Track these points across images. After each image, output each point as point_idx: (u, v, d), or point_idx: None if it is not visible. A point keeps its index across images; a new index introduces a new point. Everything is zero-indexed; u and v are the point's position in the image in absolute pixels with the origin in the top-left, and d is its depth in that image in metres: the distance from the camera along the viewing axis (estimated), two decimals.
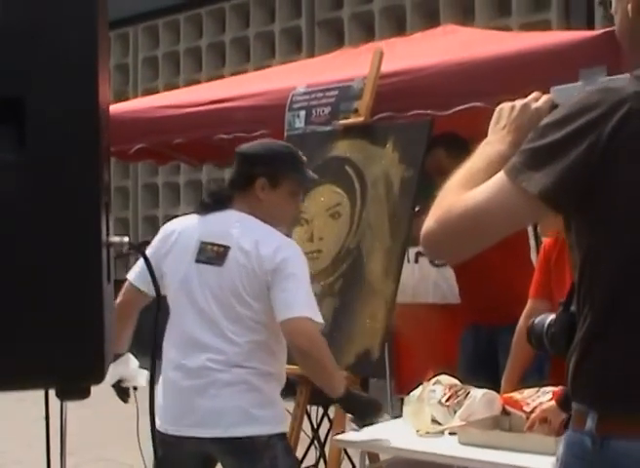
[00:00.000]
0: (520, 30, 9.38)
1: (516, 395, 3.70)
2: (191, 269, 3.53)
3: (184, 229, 3.62)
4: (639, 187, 1.64)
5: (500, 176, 1.76)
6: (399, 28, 10.45)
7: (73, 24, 1.43)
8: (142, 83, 12.87)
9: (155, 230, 11.78)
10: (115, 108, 6.17)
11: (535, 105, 2.05)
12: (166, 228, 3.71)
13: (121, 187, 12.28)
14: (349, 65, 5.74)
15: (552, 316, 1.98)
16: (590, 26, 9.03)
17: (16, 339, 1.42)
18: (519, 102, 2.07)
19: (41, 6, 1.42)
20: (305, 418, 4.69)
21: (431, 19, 10.19)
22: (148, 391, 2.14)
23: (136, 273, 3.64)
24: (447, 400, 3.76)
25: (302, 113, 5.13)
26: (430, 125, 4.47)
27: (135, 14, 12.62)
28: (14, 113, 1.40)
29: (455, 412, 3.69)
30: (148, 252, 3.63)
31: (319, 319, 3.43)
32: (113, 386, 3.75)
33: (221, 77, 11.86)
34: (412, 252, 6.34)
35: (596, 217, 1.69)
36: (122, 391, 3.76)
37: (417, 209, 4.39)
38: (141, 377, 3.75)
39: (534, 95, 2.08)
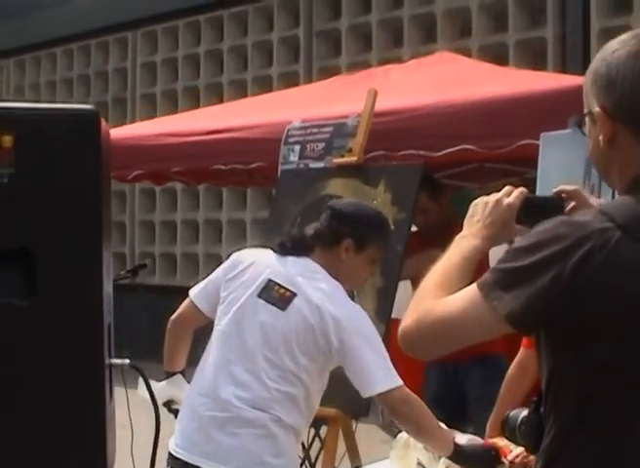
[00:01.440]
0: (516, 47, 9.52)
1: (499, 441, 3.80)
2: (250, 302, 3.49)
3: (256, 262, 3.57)
4: (598, 321, 1.75)
5: (475, 290, 1.86)
6: (396, 41, 10.57)
7: (78, 182, 1.56)
8: (141, 88, 12.96)
9: (152, 235, 11.89)
10: (115, 134, 6.29)
11: (507, 201, 2.14)
12: (238, 256, 3.64)
13: (118, 191, 12.36)
14: (345, 95, 5.86)
15: (525, 412, 2.09)
16: (586, 44, 9.15)
17: (28, 459, 1.55)
18: (493, 198, 2.16)
19: (48, 168, 1.54)
20: None
21: (428, 33, 10.31)
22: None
23: (198, 290, 3.66)
24: None
25: (297, 148, 5.24)
26: (422, 169, 4.59)
27: (134, 19, 12.71)
28: (24, 262, 1.53)
29: (440, 458, 3.80)
30: (214, 274, 3.66)
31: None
32: (164, 405, 3.76)
33: (219, 84, 12.01)
34: None
35: (560, 342, 1.80)
36: (173, 413, 3.79)
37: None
38: None
39: (506, 189, 2.18)
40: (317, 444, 5.23)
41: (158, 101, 12.71)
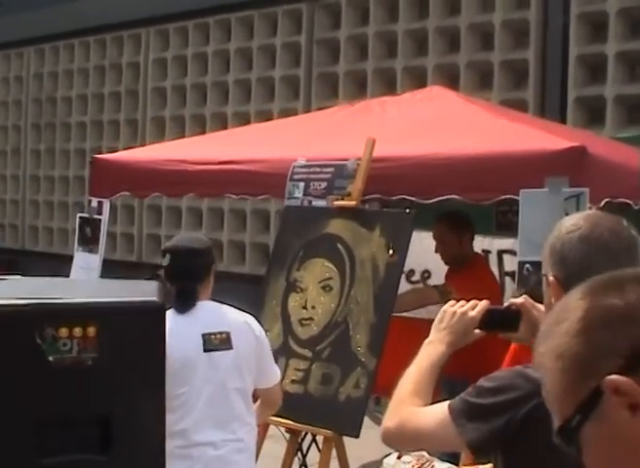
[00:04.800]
0: (501, 66, 9.69)
1: None
2: (202, 359, 3.86)
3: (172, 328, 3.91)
4: (540, 464, 2.02)
5: (445, 412, 2.14)
6: (390, 52, 10.71)
7: (147, 360, 1.79)
8: (152, 81, 13.08)
9: (159, 248, 11.87)
10: (136, 156, 6.51)
11: (471, 314, 2.41)
12: None
13: (127, 205, 12.50)
14: (345, 130, 6.03)
15: None
16: (564, 66, 9.33)
17: None
18: (459, 309, 2.42)
19: (123, 351, 1.77)
20: None
21: (420, 47, 10.47)
22: None
23: None
24: None
25: (302, 185, 5.44)
26: (413, 218, 4.81)
27: (148, 17, 12.82)
28: (102, 425, 1.77)
29: None
30: None
31: None
32: None
33: (225, 82, 12.15)
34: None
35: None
36: None
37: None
38: None
39: (471, 303, 2.44)
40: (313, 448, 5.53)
41: (168, 95, 12.85)
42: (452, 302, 2.46)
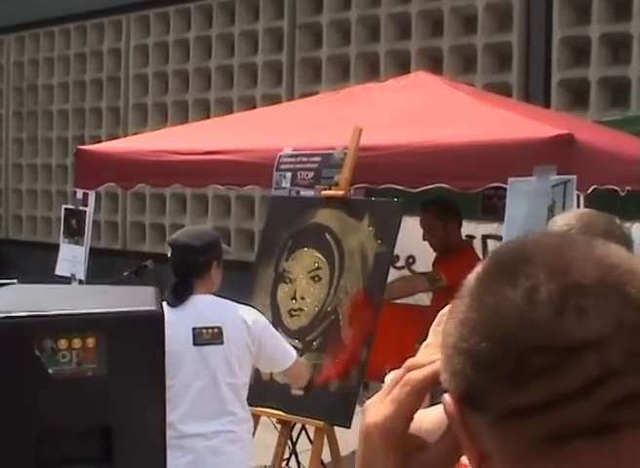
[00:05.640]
0: (484, 49, 9.68)
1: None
2: (191, 352, 3.93)
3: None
4: None
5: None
6: (373, 37, 10.69)
7: (146, 369, 1.79)
8: (134, 68, 13.01)
9: (143, 235, 11.84)
10: (121, 147, 6.48)
11: None
12: None
13: (111, 193, 12.37)
14: (331, 118, 6.02)
15: None
16: (548, 49, 9.33)
17: None
18: None
19: (123, 361, 1.77)
20: None
21: (403, 31, 10.45)
22: None
23: None
24: None
25: (289, 175, 5.43)
26: (401, 207, 4.81)
27: (128, 3, 12.75)
28: (103, 435, 1.77)
29: None
30: None
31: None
32: None
33: (207, 68, 12.11)
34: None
35: None
36: None
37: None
38: None
39: None
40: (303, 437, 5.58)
41: (150, 82, 12.79)
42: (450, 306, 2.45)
